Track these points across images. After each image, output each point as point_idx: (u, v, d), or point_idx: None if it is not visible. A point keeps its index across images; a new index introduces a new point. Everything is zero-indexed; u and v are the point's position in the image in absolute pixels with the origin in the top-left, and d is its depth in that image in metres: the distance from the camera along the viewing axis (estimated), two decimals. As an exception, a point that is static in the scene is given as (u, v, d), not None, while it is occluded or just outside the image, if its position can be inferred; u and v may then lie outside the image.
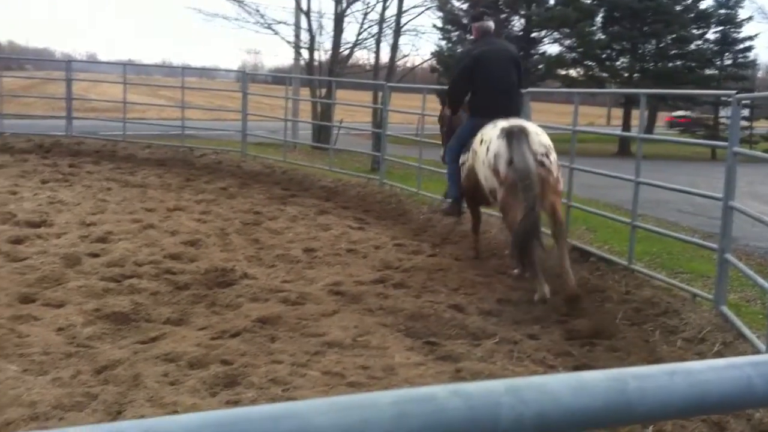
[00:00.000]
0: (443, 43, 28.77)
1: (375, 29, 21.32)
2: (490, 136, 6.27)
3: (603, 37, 27.88)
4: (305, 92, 21.91)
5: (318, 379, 4.22)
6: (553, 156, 6.13)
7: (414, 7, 22.65)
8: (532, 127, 6.30)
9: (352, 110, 26.86)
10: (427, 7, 22.11)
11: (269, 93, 25.86)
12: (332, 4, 21.20)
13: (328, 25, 24.99)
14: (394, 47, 21.43)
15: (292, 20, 21.56)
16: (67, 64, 16.11)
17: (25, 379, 4.06)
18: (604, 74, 28.61)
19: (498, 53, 7.08)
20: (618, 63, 28.66)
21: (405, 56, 22.93)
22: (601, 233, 8.84)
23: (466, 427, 0.82)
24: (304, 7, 20.85)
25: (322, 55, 21.55)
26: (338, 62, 21.05)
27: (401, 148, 15.04)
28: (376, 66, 21.35)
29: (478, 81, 6.98)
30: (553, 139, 6.32)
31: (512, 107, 6.99)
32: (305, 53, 21.14)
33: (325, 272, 6.66)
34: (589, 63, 28.29)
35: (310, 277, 6.45)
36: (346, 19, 21.26)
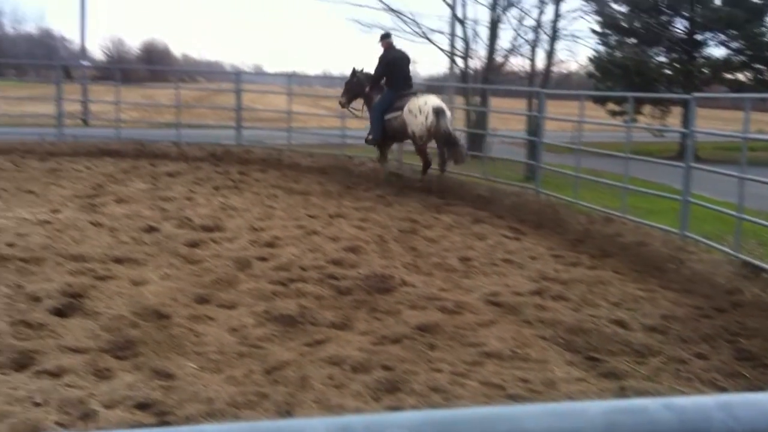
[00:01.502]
0: (601, 48, 27.96)
1: (531, 35, 21.12)
2: (427, 110, 11.16)
3: (774, 38, 26.05)
4: (459, 100, 21.99)
5: (477, 390, 4.25)
6: (452, 121, 11.84)
7: (571, 11, 22.17)
8: (444, 106, 11.44)
9: (504, 118, 26.59)
10: (585, 11, 21.62)
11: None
12: (487, 12, 21.22)
13: (483, 32, 24.93)
14: (550, 53, 21.15)
15: (447, 29, 21.73)
16: (237, 75, 17.07)
17: (202, 376, 4.32)
18: (776, 78, 26.71)
19: (401, 58, 12.24)
20: (791, 66, 26.66)
21: (561, 62, 22.50)
22: (775, 248, 8.31)
23: (677, 441, 0.84)
24: (460, 15, 20.98)
25: (477, 62, 21.59)
26: (492, 69, 21.00)
27: (555, 156, 14.79)
28: (532, 72, 21.11)
29: (392, 72, 12.04)
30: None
31: (408, 84, 12.23)
32: (460, 61, 21.25)
33: (481, 282, 6.68)
34: (759, 66, 26.51)
35: (466, 286, 6.49)
36: (501, 26, 21.20)
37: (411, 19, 21.84)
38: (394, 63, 12.07)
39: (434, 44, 21.61)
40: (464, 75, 21.17)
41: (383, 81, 12.16)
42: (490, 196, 11.23)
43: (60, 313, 5.27)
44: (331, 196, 10.98)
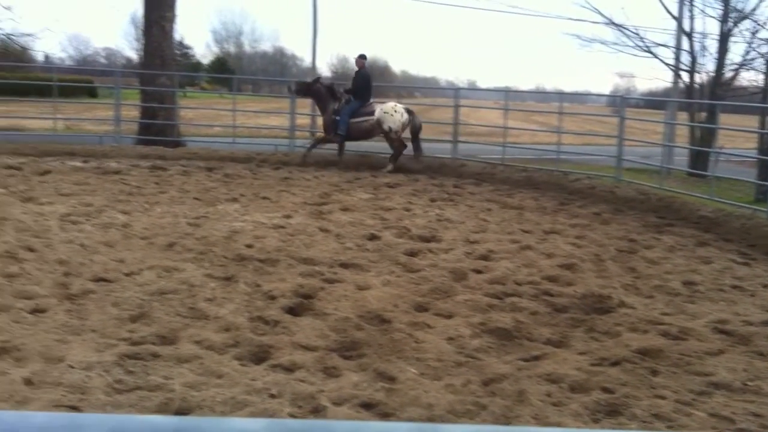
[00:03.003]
0: None
1: (765, 48, 19.56)
2: (401, 110, 14.65)
3: None
4: (681, 116, 20.89)
5: (705, 421, 4.06)
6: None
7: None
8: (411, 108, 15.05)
9: (731, 135, 24.83)
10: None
11: (641, 117, 25.16)
12: (717, 24, 19.94)
13: (712, 45, 23.46)
14: (788, 67, 19.40)
15: (672, 42, 20.72)
16: (455, 91, 17.44)
17: (422, 381, 4.47)
18: None
19: (370, 74, 15.43)
20: None
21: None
22: None
23: None
24: (687, 28, 19.94)
25: (703, 77, 20.37)
26: (721, 84, 19.72)
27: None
28: (766, 88, 19.54)
29: (365, 87, 14.98)
30: None
31: (370, 97, 15.19)
32: (685, 76, 20.18)
33: (707, 308, 6.34)
34: None
35: (691, 312, 6.19)
36: (733, 39, 19.84)
37: (634, 33, 21.02)
38: (367, 80, 15.19)
39: (658, 58, 20.67)
40: (689, 90, 20.06)
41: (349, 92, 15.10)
42: (716, 218, 10.57)
43: (292, 311, 5.69)
44: (545, 211, 10.90)
